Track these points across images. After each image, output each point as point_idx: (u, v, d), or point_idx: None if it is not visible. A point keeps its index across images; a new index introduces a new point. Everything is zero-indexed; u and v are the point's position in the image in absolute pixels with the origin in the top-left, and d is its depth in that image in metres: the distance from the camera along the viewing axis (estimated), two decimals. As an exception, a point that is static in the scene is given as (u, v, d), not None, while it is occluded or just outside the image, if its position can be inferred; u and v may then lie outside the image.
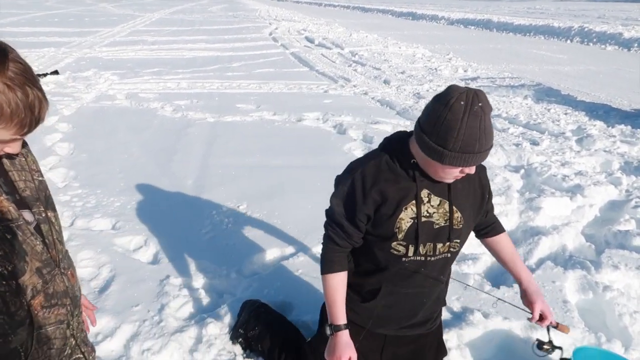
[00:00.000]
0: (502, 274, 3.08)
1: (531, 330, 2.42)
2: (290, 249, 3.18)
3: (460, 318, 2.46)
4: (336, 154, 5.18)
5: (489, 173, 4.58)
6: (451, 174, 1.56)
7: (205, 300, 2.69)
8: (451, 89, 1.47)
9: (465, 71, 11.20)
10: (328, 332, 1.77)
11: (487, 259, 3.16)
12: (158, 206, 3.85)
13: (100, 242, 3.23)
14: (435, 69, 11.27)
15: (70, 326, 1.14)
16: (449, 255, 1.77)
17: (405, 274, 1.76)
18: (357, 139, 5.72)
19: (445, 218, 1.69)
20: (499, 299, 2.25)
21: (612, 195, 4.26)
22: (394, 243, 1.69)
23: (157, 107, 7.16)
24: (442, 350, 2.09)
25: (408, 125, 6.47)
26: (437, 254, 1.74)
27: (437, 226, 1.69)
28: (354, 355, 1.76)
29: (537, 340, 1.94)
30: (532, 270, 2.97)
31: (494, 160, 5.19)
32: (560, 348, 2.00)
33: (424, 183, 1.65)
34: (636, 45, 16.89)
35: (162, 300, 2.61)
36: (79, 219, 3.56)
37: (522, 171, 4.79)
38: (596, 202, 4.09)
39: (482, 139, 1.43)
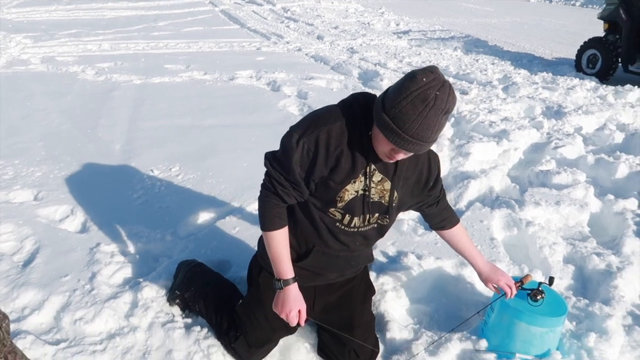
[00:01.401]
0: (434, 218, 3.20)
1: (461, 268, 2.54)
2: (226, 208, 3.13)
3: (395, 261, 2.54)
4: (271, 111, 5.09)
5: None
6: (389, 154, 1.55)
7: (140, 265, 2.61)
8: (431, 72, 1.41)
9: (397, 25, 11.25)
10: (277, 287, 1.78)
11: (420, 205, 3.27)
12: (84, 173, 3.65)
13: (22, 214, 3.03)
14: (368, 23, 11.24)
15: None
16: (376, 226, 1.83)
17: (338, 238, 1.81)
18: (292, 95, 5.64)
19: (381, 195, 1.73)
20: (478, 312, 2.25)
21: (534, 138, 4.50)
22: (332, 209, 1.73)
23: (77, 70, 6.70)
24: (370, 289, 2.17)
25: (342, 80, 6.45)
26: (366, 224, 1.80)
27: (370, 200, 1.72)
28: (304, 307, 1.79)
29: (527, 296, 1.99)
30: (462, 213, 3.10)
31: (426, 111, 5.30)
32: (542, 283, 2.03)
33: (374, 159, 1.65)
34: (557, -4, 17.57)
35: (93, 268, 2.50)
36: (-5, 192, 3.31)
37: (452, 119, 4.93)
38: (520, 145, 4.31)
39: (435, 131, 1.43)
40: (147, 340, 2.09)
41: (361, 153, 1.63)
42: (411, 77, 1.42)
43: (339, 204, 1.70)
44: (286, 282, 1.76)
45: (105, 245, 2.72)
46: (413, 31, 10.52)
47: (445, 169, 3.89)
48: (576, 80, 6.71)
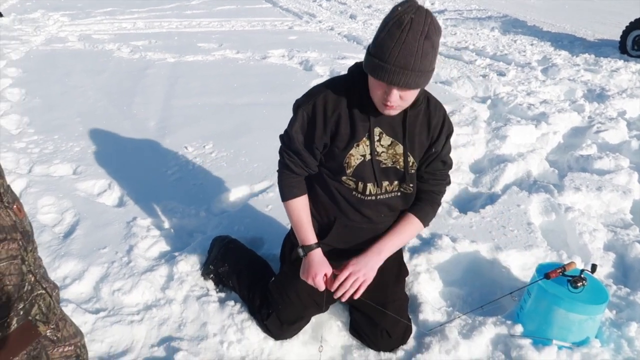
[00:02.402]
0: (469, 200, 3.14)
1: (497, 252, 2.49)
2: (259, 186, 3.14)
3: (429, 243, 2.51)
4: (303, 90, 4.97)
5: (456, 105, 4.58)
6: (383, 99, 1.49)
7: (175, 239, 2.65)
8: (406, 1, 1.40)
9: (432, 4, 10.98)
10: (301, 254, 1.80)
11: (454, 187, 3.21)
12: (121, 149, 3.72)
13: (62, 187, 3.11)
14: (402, 2, 11.00)
15: (26, 262, 1.09)
16: (400, 194, 1.77)
17: (358, 209, 1.77)
18: (324, 75, 5.60)
19: (394, 159, 1.68)
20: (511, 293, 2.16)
21: (575, 122, 4.34)
22: (344, 178, 1.71)
23: (113, 48, 6.80)
24: (403, 270, 2.13)
25: (375, 60, 6.36)
26: (384, 192, 1.74)
27: (384, 166, 1.68)
28: (329, 271, 1.79)
29: (567, 282, 1.92)
30: (498, 196, 3.02)
31: (461, 92, 5.19)
32: (584, 270, 1.94)
33: (377, 120, 1.62)
34: (601, -26, 16.78)
35: (130, 241, 2.56)
36: (36, 165, 3.41)
37: (489, 101, 4.81)
38: (560, 129, 4.17)
39: (418, 57, 1.37)
40: (183, 313, 2.13)
41: (362, 116, 1.61)
42: (389, 12, 1.42)
43: (348, 171, 1.68)
44: (309, 248, 1.78)
45: (142, 220, 2.77)
46: (449, 10, 10.26)
47: (481, 152, 3.80)
48: (620, 62, 6.43)
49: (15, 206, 1.08)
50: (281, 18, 9.22)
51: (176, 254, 2.45)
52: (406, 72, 1.39)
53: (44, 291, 1.15)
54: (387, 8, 10.19)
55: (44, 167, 3.40)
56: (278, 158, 1.83)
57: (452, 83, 5.39)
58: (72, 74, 5.63)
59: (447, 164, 1.82)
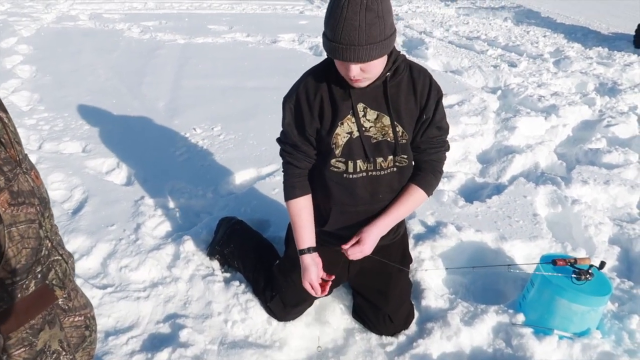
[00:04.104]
0: (475, 190, 3.14)
1: (501, 242, 2.50)
2: (266, 169, 3.16)
3: (433, 231, 2.51)
4: (312, 76, 5.04)
5: (466, 94, 4.54)
6: (347, 75, 1.48)
7: (182, 219, 2.68)
8: None
9: (445, -8, 10.83)
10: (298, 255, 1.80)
11: (461, 177, 3.21)
12: (130, 129, 3.74)
13: (71, 164, 3.15)
14: (415, -11, 10.86)
15: (43, 227, 1.10)
16: (396, 169, 1.72)
17: (352, 192, 1.74)
18: (334, 61, 5.57)
19: (384, 132, 1.65)
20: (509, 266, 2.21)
21: (585, 115, 4.31)
22: (333, 160, 1.68)
23: (123, 28, 6.80)
24: (406, 258, 2.12)
25: (386, 47, 6.31)
26: (379, 168, 1.70)
27: (374, 141, 1.65)
28: (315, 277, 1.75)
29: (572, 273, 1.92)
30: (505, 187, 3.02)
31: (471, 82, 5.15)
32: (592, 266, 1.95)
33: (359, 96, 1.60)
34: (619, -34, 16.48)
35: (137, 219, 2.59)
36: (46, 142, 3.44)
37: (499, 92, 4.77)
38: (570, 121, 4.14)
39: (363, 30, 1.34)
40: (188, 291, 2.16)
41: (342, 94, 1.61)
42: None
43: (337, 151, 1.65)
44: (301, 252, 1.77)
45: (149, 199, 2.80)
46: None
47: (489, 142, 3.79)
48: (634, 57, 6.34)
49: (32, 172, 1.10)
50: (292, 2, 9.16)
51: (182, 233, 2.47)
52: (354, 47, 1.37)
53: (60, 257, 1.17)
54: (400, -5, 10.09)
55: (54, 144, 3.42)
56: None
57: (462, 72, 5.35)
58: (83, 52, 5.64)
59: (443, 129, 1.74)
